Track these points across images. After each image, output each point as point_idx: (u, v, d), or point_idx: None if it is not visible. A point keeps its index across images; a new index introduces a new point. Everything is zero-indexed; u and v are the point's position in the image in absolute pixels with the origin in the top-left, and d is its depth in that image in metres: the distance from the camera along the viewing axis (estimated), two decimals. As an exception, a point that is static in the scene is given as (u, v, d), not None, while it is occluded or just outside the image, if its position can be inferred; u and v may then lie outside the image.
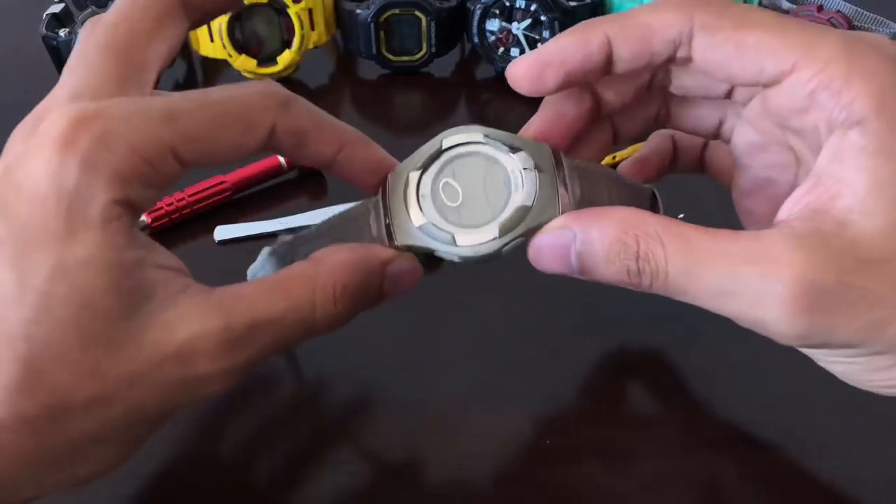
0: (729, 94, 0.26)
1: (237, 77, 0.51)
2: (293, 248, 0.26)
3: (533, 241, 0.24)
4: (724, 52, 0.23)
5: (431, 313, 0.35)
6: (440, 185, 0.25)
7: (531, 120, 0.26)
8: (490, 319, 0.35)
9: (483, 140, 0.25)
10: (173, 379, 0.21)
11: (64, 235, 0.20)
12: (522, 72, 0.25)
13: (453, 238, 0.24)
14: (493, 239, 0.24)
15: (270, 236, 0.39)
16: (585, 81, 0.25)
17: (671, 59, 0.24)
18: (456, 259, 0.25)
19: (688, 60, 0.24)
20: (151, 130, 0.21)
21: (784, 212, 0.22)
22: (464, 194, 0.25)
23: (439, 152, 0.25)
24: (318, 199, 0.42)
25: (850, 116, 0.21)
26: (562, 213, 0.24)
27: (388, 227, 0.25)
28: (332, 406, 0.32)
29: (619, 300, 0.36)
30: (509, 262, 0.38)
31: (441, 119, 0.50)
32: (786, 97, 0.22)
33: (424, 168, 0.25)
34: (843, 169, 0.21)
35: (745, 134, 0.26)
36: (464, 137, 0.25)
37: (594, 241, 0.23)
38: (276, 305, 0.22)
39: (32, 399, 0.20)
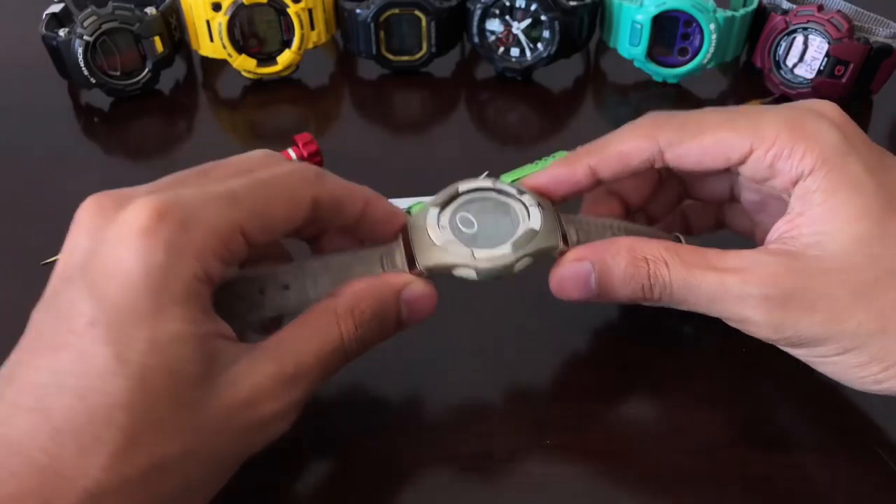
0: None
1: (237, 76, 0.51)
2: (295, 274, 0.28)
3: (556, 274, 0.29)
4: (693, 156, 0.28)
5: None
6: (457, 218, 0.29)
7: (534, 175, 0.30)
8: (489, 319, 0.35)
9: (493, 186, 0.29)
10: (245, 424, 0.24)
11: (154, 312, 0.23)
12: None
13: (472, 253, 0.27)
14: (508, 254, 0.27)
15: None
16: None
17: (650, 170, 0.30)
18: (473, 275, 0.28)
19: (664, 168, 0.29)
20: (222, 213, 0.24)
21: (767, 240, 0.28)
22: (478, 224, 0.29)
23: (456, 194, 0.29)
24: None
25: (804, 170, 0.26)
26: (562, 245, 0.29)
27: (410, 257, 0.28)
28: (331, 406, 0.32)
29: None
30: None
31: (441, 119, 0.50)
32: (752, 171, 0.28)
33: (443, 206, 0.29)
34: (806, 207, 0.27)
35: (748, 195, 0.32)
36: (477, 184, 0.29)
37: (611, 267, 0.28)
38: (311, 342, 0.26)
39: (132, 462, 0.22)
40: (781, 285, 0.26)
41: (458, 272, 0.28)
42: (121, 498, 0.22)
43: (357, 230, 0.29)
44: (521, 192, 0.29)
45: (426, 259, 0.28)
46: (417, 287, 0.27)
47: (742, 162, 0.28)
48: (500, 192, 0.29)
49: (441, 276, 0.28)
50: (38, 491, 0.21)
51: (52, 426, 0.21)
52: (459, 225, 0.28)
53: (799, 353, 0.28)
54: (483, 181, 0.29)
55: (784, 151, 0.27)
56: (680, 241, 0.30)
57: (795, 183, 0.27)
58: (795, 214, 0.27)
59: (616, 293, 0.28)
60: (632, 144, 0.29)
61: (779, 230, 0.27)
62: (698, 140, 0.28)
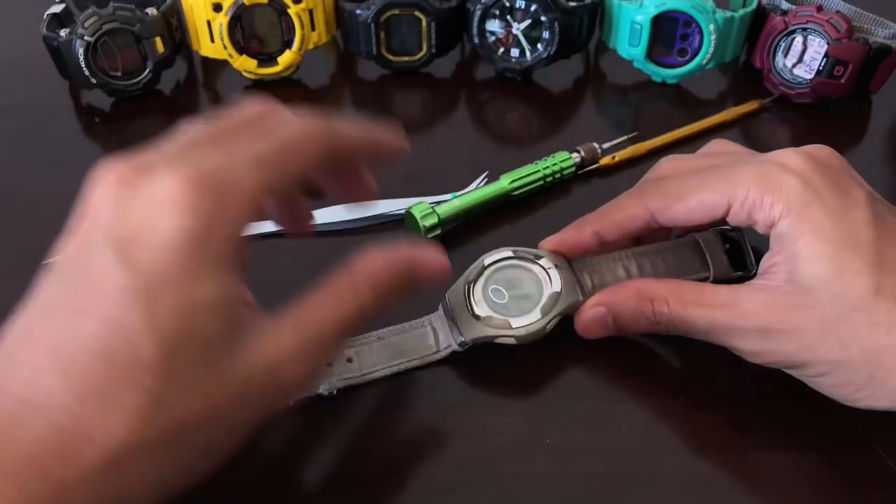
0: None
1: (237, 77, 0.51)
2: (356, 349, 0.32)
3: (579, 320, 0.33)
4: (680, 217, 0.33)
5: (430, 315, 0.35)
6: (489, 291, 0.33)
7: (549, 238, 0.34)
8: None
9: (513, 255, 0.33)
10: (268, 388, 0.25)
11: (187, 280, 0.23)
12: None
13: (509, 323, 0.32)
14: (538, 319, 0.32)
15: (270, 236, 0.39)
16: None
17: (649, 229, 0.34)
18: (513, 341, 0.32)
19: (660, 226, 0.34)
20: (253, 179, 0.25)
21: (758, 272, 0.32)
22: (508, 294, 0.33)
23: (483, 268, 0.33)
24: (318, 198, 0.42)
25: (775, 217, 0.30)
26: (582, 296, 0.33)
27: (454, 326, 0.33)
28: (331, 406, 0.32)
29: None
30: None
31: (441, 119, 0.50)
32: (736, 221, 0.32)
33: (474, 281, 0.33)
34: (780, 248, 0.30)
35: None
36: (499, 255, 0.34)
37: (623, 310, 0.32)
38: (328, 307, 0.26)
39: (156, 423, 0.22)
40: (762, 319, 0.30)
41: (499, 340, 0.32)
42: (143, 457, 0.22)
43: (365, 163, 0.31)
44: (537, 257, 0.33)
45: (471, 333, 0.32)
46: (431, 258, 0.29)
47: (725, 215, 0.32)
48: (520, 258, 0.33)
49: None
50: (59, 450, 0.21)
51: (76, 388, 0.22)
52: (492, 297, 0.33)
53: (791, 372, 0.31)
54: (503, 252, 0.34)
55: (756, 204, 0.31)
56: (698, 244, 0.34)
57: (771, 227, 0.31)
58: (774, 253, 0.31)
59: (630, 328, 0.32)
60: (627, 214, 0.33)
61: (763, 265, 0.31)
62: (683, 203, 0.32)
